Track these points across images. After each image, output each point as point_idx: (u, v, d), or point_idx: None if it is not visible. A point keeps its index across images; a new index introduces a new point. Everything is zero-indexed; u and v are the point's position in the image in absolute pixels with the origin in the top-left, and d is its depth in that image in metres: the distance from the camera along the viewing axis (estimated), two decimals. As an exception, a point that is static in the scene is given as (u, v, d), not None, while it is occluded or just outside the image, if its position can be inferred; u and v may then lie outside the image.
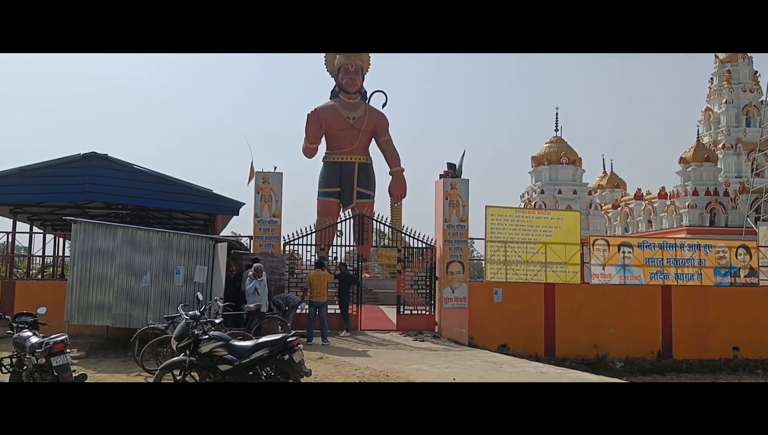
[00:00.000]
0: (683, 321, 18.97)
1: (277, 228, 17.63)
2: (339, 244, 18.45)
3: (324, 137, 30.02)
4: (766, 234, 21.84)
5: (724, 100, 44.08)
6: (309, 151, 29.64)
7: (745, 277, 20.02)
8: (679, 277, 19.68)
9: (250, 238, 17.83)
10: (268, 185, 17.66)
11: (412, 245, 18.82)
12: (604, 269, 19.35)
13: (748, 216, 37.43)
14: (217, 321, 10.78)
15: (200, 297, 9.80)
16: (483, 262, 19.45)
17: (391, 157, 30.49)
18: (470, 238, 18.75)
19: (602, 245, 19.58)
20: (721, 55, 45.65)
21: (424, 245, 18.62)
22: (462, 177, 18.70)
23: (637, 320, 18.74)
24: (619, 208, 47.94)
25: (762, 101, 43.62)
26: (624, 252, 19.52)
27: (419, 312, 18.24)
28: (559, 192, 44.25)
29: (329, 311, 16.75)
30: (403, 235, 19.01)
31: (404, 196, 30.39)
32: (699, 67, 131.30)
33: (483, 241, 19.02)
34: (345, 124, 29.78)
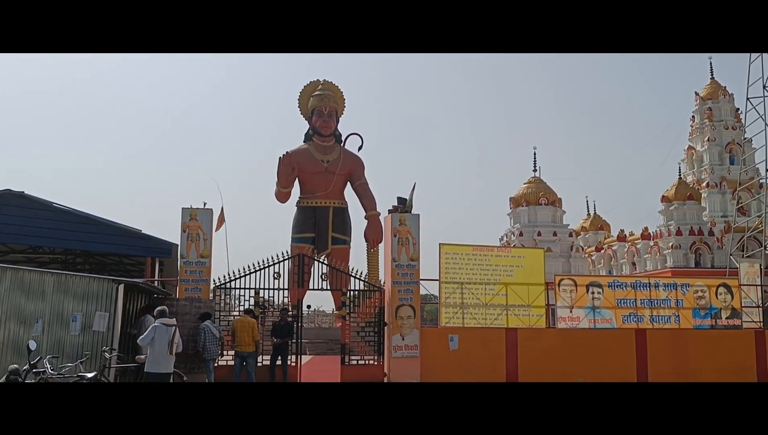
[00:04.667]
0: (660, 368, 17.19)
1: (205, 270, 15.90)
2: (277, 287, 16.64)
3: (297, 181, 28.83)
4: (749, 271, 20.19)
5: (706, 138, 42.93)
6: (281, 196, 28.28)
7: (726, 318, 18.31)
8: (654, 320, 17.96)
9: (166, 280, 16.12)
10: (195, 223, 15.97)
11: (358, 288, 17.11)
12: (571, 312, 17.62)
13: (732, 254, 35.75)
14: (89, 375, 9.17)
15: (32, 346, 8.06)
16: (437, 305, 17.66)
17: (368, 201, 29.03)
18: (422, 279, 17.01)
19: (569, 285, 17.87)
20: (702, 93, 44.69)
21: (371, 287, 16.92)
22: (413, 212, 17.13)
23: (610, 367, 16.88)
24: (602, 251, 46.34)
25: (745, 138, 42.47)
26: (593, 292, 17.81)
27: (366, 362, 16.41)
28: (539, 234, 42.67)
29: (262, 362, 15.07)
30: (348, 276, 17.27)
31: (381, 241, 28.79)
32: (680, 105, 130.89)
33: (437, 282, 17.28)
34: (319, 168, 28.41)
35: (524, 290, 17.38)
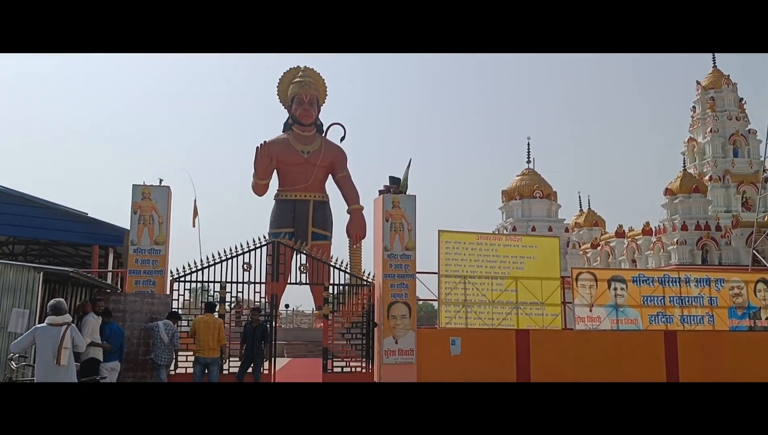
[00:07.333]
0: (693, 375, 14.76)
1: (160, 259, 13.27)
2: (248, 280, 14.02)
3: (276, 173, 26.85)
4: (789, 265, 17.88)
5: (708, 129, 40.71)
6: (259, 188, 26.61)
7: (767, 318, 15.96)
8: (685, 320, 15.58)
9: (121, 272, 13.49)
10: (148, 203, 13.36)
11: (343, 282, 14.58)
12: (591, 311, 15.19)
13: (754, 248, 33.50)
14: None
15: None
16: (436, 303, 15.14)
17: (350, 194, 27.33)
18: (418, 272, 14.47)
19: (588, 280, 15.42)
20: (704, 82, 42.51)
21: (359, 281, 14.40)
22: (408, 193, 14.64)
23: (635, 375, 14.40)
24: (599, 247, 43.99)
25: (749, 130, 40.35)
26: (616, 289, 15.38)
27: (352, 369, 13.91)
28: (533, 229, 40.18)
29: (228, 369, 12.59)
30: (333, 268, 14.68)
31: (363, 237, 26.93)
32: (679, 96, 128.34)
33: (436, 275, 14.75)
34: (298, 159, 26.76)
35: (537, 286, 14.95)
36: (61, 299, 7.99)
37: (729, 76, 41.91)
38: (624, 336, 15.09)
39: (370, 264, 15.38)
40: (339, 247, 28.68)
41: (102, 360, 10.37)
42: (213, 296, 13.75)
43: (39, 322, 9.68)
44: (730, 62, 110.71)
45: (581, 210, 50.71)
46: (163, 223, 13.36)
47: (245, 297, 13.93)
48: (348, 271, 14.69)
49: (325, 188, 27.68)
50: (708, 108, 41.34)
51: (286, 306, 28.22)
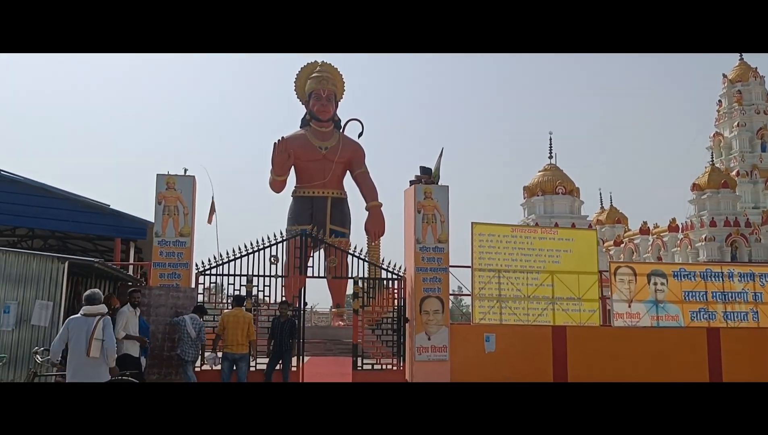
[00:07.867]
0: (737, 374, 14.13)
1: (186, 251, 12.84)
2: (274, 273, 13.54)
3: (294, 169, 26.40)
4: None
5: (735, 124, 39.89)
6: (276, 185, 26.19)
7: (813, 315, 15.31)
8: (728, 317, 14.94)
9: (142, 265, 13.04)
10: (173, 193, 12.91)
11: (373, 275, 14.08)
12: (630, 307, 14.60)
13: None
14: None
15: None
16: (470, 298, 14.60)
17: (368, 191, 26.80)
18: (452, 266, 13.95)
19: (627, 275, 14.84)
20: (730, 75, 41.69)
21: (390, 275, 13.87)
22: (440, 183, 14.12)
23: (677, 374, 13.83)
24: (622, 245, 43.20)
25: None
26: (656, 283, 14.78)
27: (383, 367, 13.38)
28: (556, 225, 39.50)
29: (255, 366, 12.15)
30: (364, 262, 14.14)
31: (382, 234, 26.46)
32: (702, 90, 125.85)
33: (469, 269, 14.22)
34: (316, 155, 26.29)
35: (574, 280, 14.38)
36: (97, 289, 7.50)
37: (756, 68, 41.14)
38: (665, 333, 14.49)
39: (397, 258, 14.85)
40: (357, 245, 28.23)
41: (138, 356, 9.88)
42: (239, 290, 13.27)
43: (64, 315, 9.27)
44: (758, 54, 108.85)
45: (602, 207, 49.93)
46: (188, 214, 12.93)
47: (271, 291, 13.45)
48: (381, 265, 14.18)
49: (343, 185, 27.30)
50: (735, 102, 40.55)
51: (305, 304, 27.91)
